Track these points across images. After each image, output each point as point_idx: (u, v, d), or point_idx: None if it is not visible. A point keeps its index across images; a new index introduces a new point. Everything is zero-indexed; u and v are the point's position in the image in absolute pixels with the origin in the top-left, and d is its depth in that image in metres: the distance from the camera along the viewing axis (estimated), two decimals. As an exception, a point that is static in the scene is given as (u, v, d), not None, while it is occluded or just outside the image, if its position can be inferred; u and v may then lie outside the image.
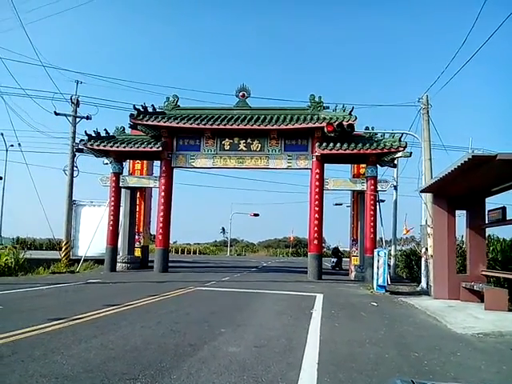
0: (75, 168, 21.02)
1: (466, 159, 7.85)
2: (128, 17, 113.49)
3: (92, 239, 19.91)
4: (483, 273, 11.03)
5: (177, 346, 5.49)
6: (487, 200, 11.50)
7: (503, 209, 10.18)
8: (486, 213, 11.20)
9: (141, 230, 22.75)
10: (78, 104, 21.22)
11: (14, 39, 20.50)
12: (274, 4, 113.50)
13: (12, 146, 27.00)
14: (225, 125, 18.16)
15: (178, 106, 19.65)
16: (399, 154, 18.26)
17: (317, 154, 18.06)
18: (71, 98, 21.13)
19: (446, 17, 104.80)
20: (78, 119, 21.20)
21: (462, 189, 10.71)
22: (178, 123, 18.39)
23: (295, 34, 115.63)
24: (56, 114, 20.73)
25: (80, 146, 20.13)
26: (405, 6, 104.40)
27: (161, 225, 19.22)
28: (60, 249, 21.37)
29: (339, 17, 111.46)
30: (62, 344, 5.36)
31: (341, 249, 33.13)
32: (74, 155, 20.94)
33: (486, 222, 11.13)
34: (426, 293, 13.29)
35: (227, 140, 19.05)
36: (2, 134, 28.54)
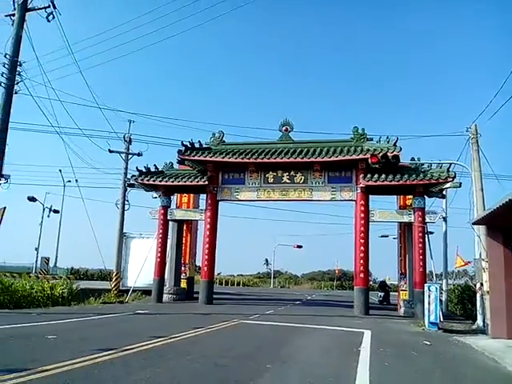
0: (126, 202, 22.04)
1: (521, 191, 7.54)
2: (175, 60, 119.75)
3: (141, 270, 20.50)
4: (546, 311, 10.28)
5: (222, 382, 5.51)
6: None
7: None
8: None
9: (187, 261, 23.16)
10: (130, 142, 22.48)
11: (70, 83, 22.22)
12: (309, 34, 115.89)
13: (69, 181, 28.83)
14: (268, 158, 18.49)
15: (224, 141, 20.31)
16: (448, 185, 17.67)
17: (361, 185, 17.88)
18: (124, 137, 22.43)
19: (491, 45, 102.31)
20: (129, 156, 22.40)
21: (517, 221, 10.20)
22: (223, 158, 18.95)
23: (342, 68, 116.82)
24: (110, 151, 22.03)
25: (131, 181, 21.16)
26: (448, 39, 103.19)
27: (206, 257, 19.54)
28: (110, 279, 22.17)
29: (386, 54, 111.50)
30: (111, 375, 5.52)
31: (388, 282, 31.97)
32: (126, 189, 22.00)
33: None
34: (482, 331, 12.49)
35: (271, 173, 19.34)
36: (61, 171, 30.60)
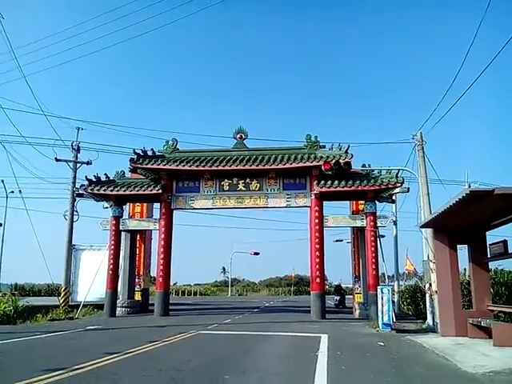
0: (75, 213, 21.06)
1: (464, 194, 7.94)
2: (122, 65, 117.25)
3: (92, 284, 19.63)
4: (489, 307, 10.87)
5: (180, 396, 5.33)
6: (489, 232, 11.49)
7: (504, 242, 10.16)
8: (488, 246, 11.17)
9: (141, 272, 22.48)
10: (78, 150, 21.56)
11: (14, 89, 21.17)
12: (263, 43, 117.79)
13: (12, 192, 27.10)
14: (224, 166, 18.41)
15: (177, 149, 20.00)
16: (397, 190, 18.38)
17: (315, 191, 18.21)
18: (72, 145, 21.50)
19: (441, 55, 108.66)
20: (78, 165, 21.48)
21: (461, 223, 10.74)
22: (177, 166, 18.65)
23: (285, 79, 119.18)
24: (57, 160, 21.03)
25: (80, 191, 20.24)
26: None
27: (161, 267, 19.06)
28: (59, 294, 21.05)
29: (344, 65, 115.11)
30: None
31: (343, 286, 32.70)
32: (75, 200, 21.04)
33: (488, 255, 11.08)
34: (432, 330, 13.01)
35: (226, 181, 19.26)
36: (3, 181, 28.79)
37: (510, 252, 10.04)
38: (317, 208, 18.36)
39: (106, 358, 7.80)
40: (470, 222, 10.58)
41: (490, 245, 11.02)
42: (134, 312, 20.55)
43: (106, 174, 19.86)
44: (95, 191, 19.07)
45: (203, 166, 18.53)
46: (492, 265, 12.71)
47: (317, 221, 18.23)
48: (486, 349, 8.86)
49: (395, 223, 22.65)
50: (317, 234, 18.13)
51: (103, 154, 31.50)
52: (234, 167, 18.38)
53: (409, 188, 18.84)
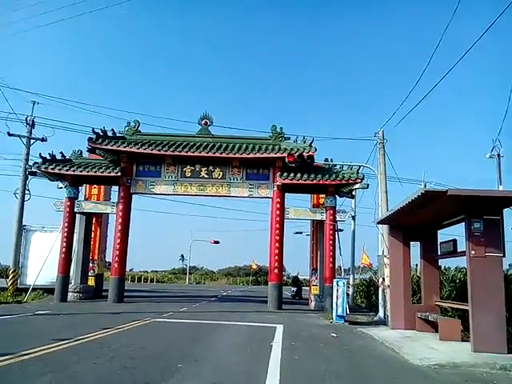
0: (27, 191, 20.09)
1: (419, 194, 8.19)
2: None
3: (42, 267, 18.78)
4: (437, 303, 11.37)
5: (131, 385, 5.22)
6: (440, 231, 11.99)
7: (454, 241, 10.61)
8: (439, 244, 11.65)
9: (95, 257, 21.82)
10: (33, 125, 20.50)
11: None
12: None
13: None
14: (186, 152, 18.09)
15: (139, 131, 19.43)
16: (357, 186, 18.80)
17: (278, 183, 18.29)
18: (26, 119, 20.42)
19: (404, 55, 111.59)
20: (32, 141, 20.45)
21: (415, 221, 11.13)
22: (138, 148, 18.12)
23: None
24: (9, 134, 19.92)
25: (33, 169, 19.24)
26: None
27: (117, 252, 18.57)
28: (7, 277, 20.11)
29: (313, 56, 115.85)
30: (7, 383, 4.97)
31: (301, 278, 33.29)
32: (27, 178, 20.04)
33: (439, 253, 11.56)
34: (383, 323, 13.49)
35: (188, 167, 18.95)
36: None
37: (458, 251, 10.52)
38: (278, 199, 18.47)
39: (55, 345, 7.52)
40: (424, 220, 10.98)
41: (441, 243, 11.49)
42: (86, 298, 19.95)
43: (61, 153, 18.99)
44: (49, 170, 18.21)
45: (165, 151, 18.11)
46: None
47: (278, 212, 18.35)
48: (432, 342, 9.28)
49: (354, 218, 23.19)
50: (277, 226, 18.27)
51: (61, 132, 30.14)
52: (197, 154, 18.08)
53: (368, 184, 19.33)
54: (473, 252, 8.48)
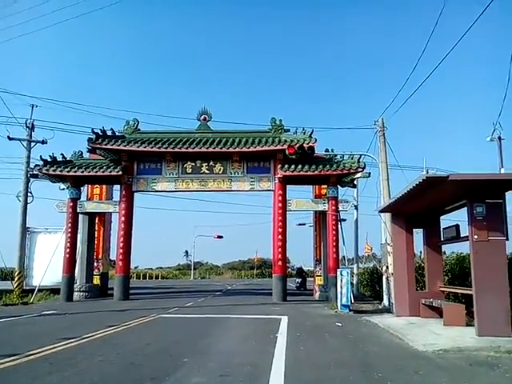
0: (29, 194, 20.17)
1: (421, 180, 8.16)
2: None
3: (47, 268, 18.90)
4: (441, 289, 11.38)
5: (137, 381, 5.25)
6: (443, 218, 11.96)
7: (457, 226, 10.60)
8: (441, 230, 11.63)
9: (100, 256, 21.90)
10: (33, 128, 20.54)
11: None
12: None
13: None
14: (186, 148, 18.07)
15: (139, 129, 19.40)
16: (358, 175, 18.73)
17: (279, 175, 18.27)
18: (26, 122, 20.45)
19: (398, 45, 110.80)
20: (33, 144, 20.50)
21: (418, 208, 11.10)
22: (138, 147, 18.12)
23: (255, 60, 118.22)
24: (10, 138, 19.97)
25: (35, 172, 19.30)
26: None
27: (121, 250, 18.65)
28: (12, 279, 20.25)
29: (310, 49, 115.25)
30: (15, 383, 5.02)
31: (305, 269, 33.34)
32: (29, 181, 20.13)
33: (442, 239, 11.55)
34: (388, 310, 13.52)
35: (189, 163, 18.94)
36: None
37: (461, 236, 10.50)
38: (280, 192, 18.46)
39: (61, 344, 7.58)
40: (426, 206, 10.95)
41: (444, 229, 11.48)
42: (92, 296, 20.06)
43: (62, 154, 19.02)
44: (51, 172, 18.26)
45: (165, 148, 18.11)
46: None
47: (280, 204, 18.34)
48: (436, 328, 9.29)
49: (356, 207, 23.19)
50: (280, 218, 18.27)
51: (61, 134, 30.06)
52: (197, 149, 18.06)
53: (370, 173, 19.23)
54: (476, 236, 8.46)
